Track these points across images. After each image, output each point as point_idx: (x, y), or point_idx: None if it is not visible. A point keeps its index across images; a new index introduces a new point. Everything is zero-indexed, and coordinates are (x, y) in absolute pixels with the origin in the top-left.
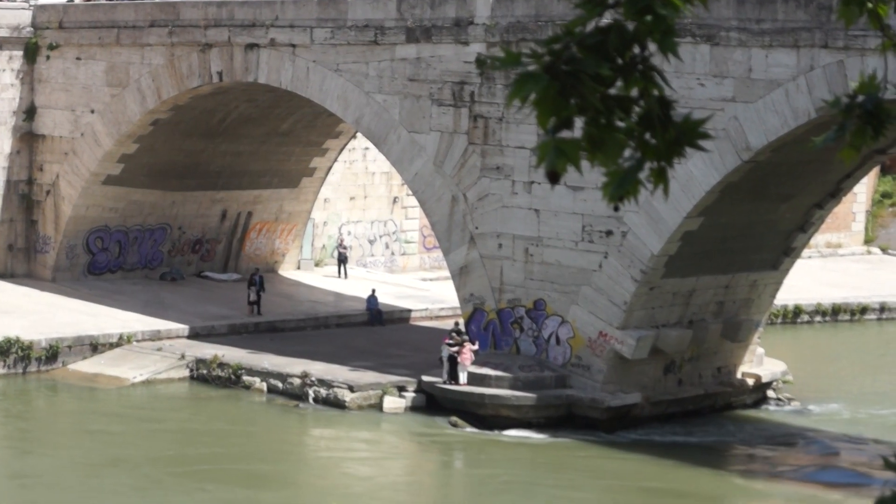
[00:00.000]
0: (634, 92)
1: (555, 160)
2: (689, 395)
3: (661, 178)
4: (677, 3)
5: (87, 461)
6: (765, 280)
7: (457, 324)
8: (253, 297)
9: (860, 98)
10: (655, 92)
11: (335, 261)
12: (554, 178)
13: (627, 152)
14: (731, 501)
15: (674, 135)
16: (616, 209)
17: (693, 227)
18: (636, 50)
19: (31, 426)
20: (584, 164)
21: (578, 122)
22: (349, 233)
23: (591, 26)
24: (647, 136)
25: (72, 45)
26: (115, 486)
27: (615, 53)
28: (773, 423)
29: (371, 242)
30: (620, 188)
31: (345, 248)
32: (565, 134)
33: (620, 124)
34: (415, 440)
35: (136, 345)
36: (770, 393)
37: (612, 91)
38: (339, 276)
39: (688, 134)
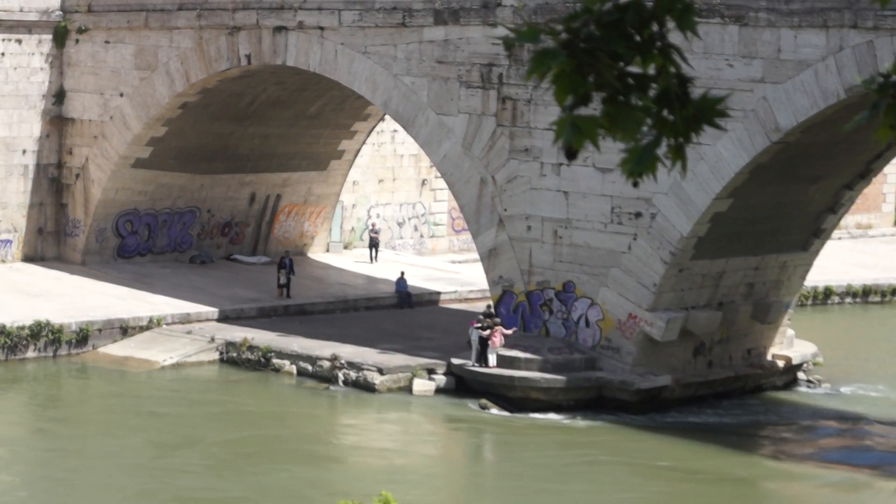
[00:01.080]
0: (652, 69)
1: (571, 136)
2: (718, 377)
3: (678, 154)
4: None
5: (151, 442)
6: (795, 261)
7: (489, 306)
8: (283, 279)
9: (894, 77)
10: (673, 69)
11: (366, 245)
12: (571, 154)
13: (645, 129)
14: (761, 483)
15: (691, 112)
16: (635, 185)
17: (722, 209)
18: (654, 27)
19: (80, 410)
20: (605, 142)
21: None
22: (378, 215)
23: (609, 4)
24: (665, 112)
25: (100, 29)
26: (189, 466)
27: (633, 31)
28: (804, 405)
29: (400, 225)
30: (639, 165)
31: (376, 232)
32: (583, 111)
33: (638, 102)
34: (445, 423)
35: (165, 328)
36: (800, 375)
37: (630, 68)
38: (371, 261)
39: (706, 111)
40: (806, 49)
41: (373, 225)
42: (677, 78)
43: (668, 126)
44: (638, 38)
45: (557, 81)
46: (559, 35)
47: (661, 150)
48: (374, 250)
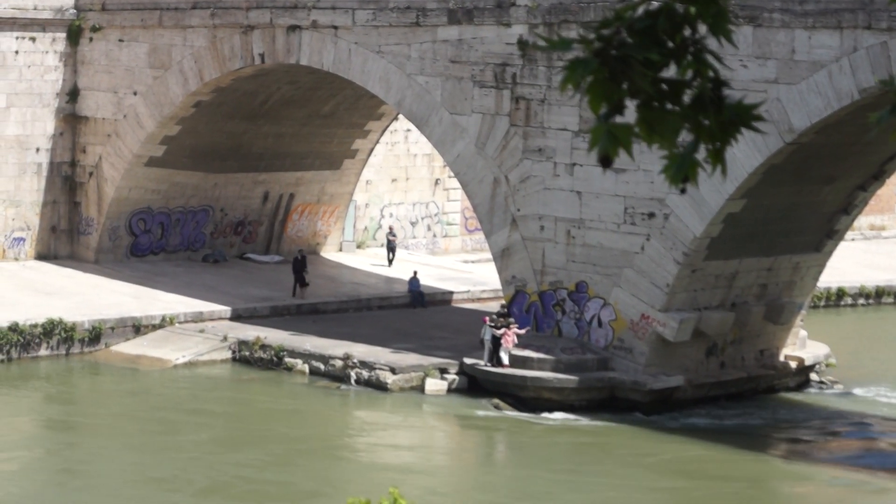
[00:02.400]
0: (688, 75)
1: (607, 145)
2: (731, 378)
3: (717, 158)
4: None
5: (208, 439)
6: (808, 262)
7: (503, 306)
8: (307, 279)
9: None
10: (710, 73)
11: (383, 248)
12: (606, 162)
13: (683, 134)
14: (773, 484)
15: (728, 116)
16: (683, 191)
17: (736, 210)
18: (687, 32)
19: (108, 409)
20: (636, 148)
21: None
22: (391, 214)
23: (640, 10)
24: (701, 118)
25: (114, 27)
26: (253, 461)
27: (665, 37)
28: (816, 407)
29: (413, 224)
30: (681, 170)
31: (394, 235)
32: (617, 119)
33: (675, 108)
34: (457, 422)
35: (178, 326)
36: (813, 376)
37: (664, 74)
38: (388, 265)
39: (741, 115)
40: (820, 50)
41: (390, 228)
42: (713, 82)
43: (704, 131)
44: (671, 43)
45: (592, 90)
46: (592, 44)
47: (699, 155)
48: (391, 254)
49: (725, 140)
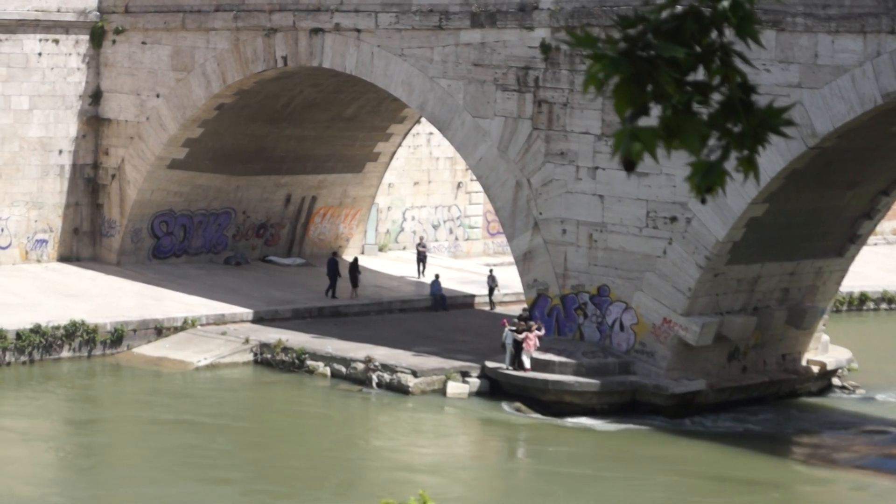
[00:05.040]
0: (716, 80)
1: (630, 148)
2: (753, 383)
3: (749, 165)
4: None
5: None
6: (830, 267)
7: (524, 309)
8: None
9: None
10: (738, 78)
11: (405, 251)
12: (630, 165)
13: (712, 142)
14: (794, 489)
15: (757, 122)
16: (703, 201)
17: (758, 214)
18: (713, 36)
19: (144, 411)
20: (660, 151)
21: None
22: (413, 217)
23: (665, 13)
24: (730, 124)
25: (137, 30)
26: (274, 465)
27: (692, 40)
28: (838, 411)
29: (435, 227)
30: (706, 179)
31: (424, 246)
32: (642, 121)
33: (701, 109)
34: (479, 426)
35: (200, 329)
36: (835, 380)
37: (690, 77)
38: (419, 276)
39: (772, 120)
40: (843, 54)
41: (420, 239)
42: (741, 87)
43: (735, 138)
44: (698, 47)
45: (617, 92)
46: (617, 44)
47: (728, 164)
48: (421, 265)
49: (755, 147)
